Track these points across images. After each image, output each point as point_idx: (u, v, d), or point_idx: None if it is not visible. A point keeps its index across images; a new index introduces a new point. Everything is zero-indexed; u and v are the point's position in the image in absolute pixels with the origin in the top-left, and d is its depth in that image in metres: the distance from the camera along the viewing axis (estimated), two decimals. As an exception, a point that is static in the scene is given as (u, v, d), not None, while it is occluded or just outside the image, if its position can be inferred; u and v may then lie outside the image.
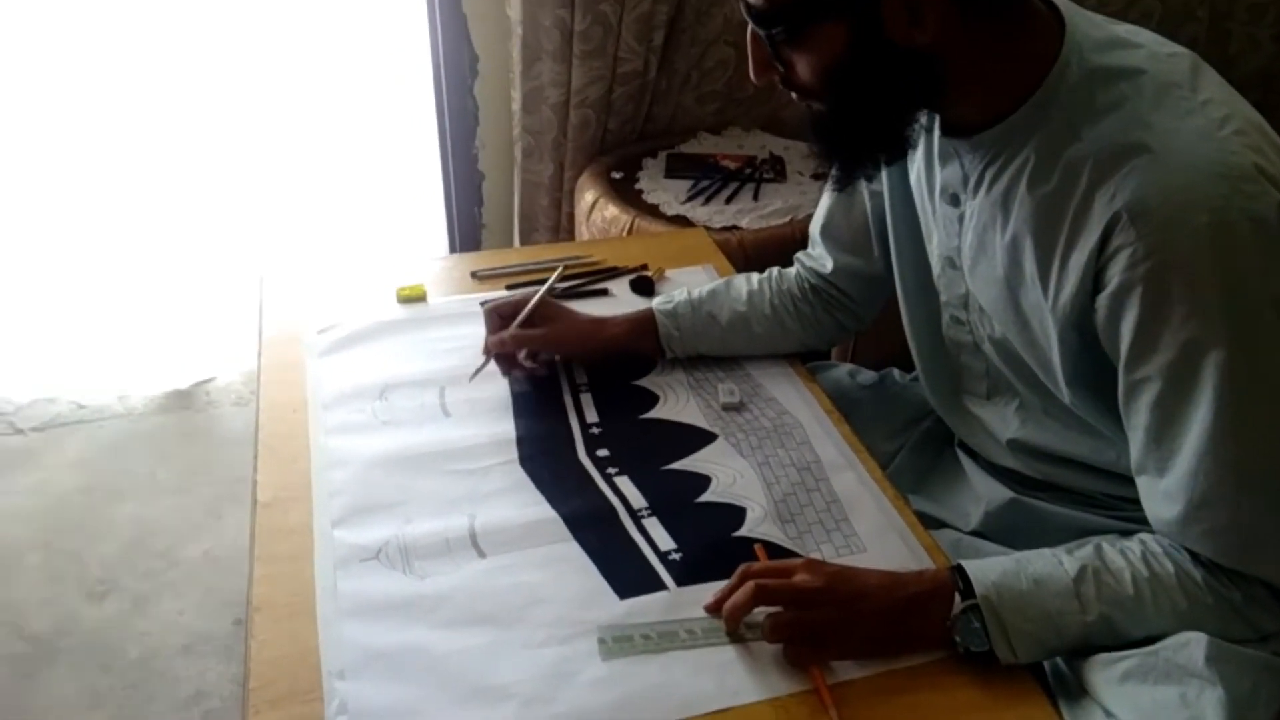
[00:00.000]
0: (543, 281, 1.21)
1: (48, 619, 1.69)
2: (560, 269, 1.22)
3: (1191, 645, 0.72)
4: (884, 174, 1.01)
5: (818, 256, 1.16)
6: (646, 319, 1.13)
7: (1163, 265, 0.72)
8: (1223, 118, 0.75)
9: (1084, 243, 0.77)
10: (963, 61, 0.78)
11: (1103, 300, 0.77)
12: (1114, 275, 0.75)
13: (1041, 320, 0.84)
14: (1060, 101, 0.79)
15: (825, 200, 1.14)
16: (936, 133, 0.90)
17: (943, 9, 0.74)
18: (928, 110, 0.87)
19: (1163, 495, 0.77)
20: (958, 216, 0.91)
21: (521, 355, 1.10)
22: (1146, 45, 0.80)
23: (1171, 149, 0.73)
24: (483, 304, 1.23)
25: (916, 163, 0.96)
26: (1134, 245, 0.73)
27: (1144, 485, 0.80)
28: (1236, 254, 0.71)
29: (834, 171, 0.90)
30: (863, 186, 1.05)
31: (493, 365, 1.10)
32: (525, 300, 1.11)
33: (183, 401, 2.23)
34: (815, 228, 1.15)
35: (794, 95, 0.84)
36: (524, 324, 1.09)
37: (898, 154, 0.88)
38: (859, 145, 0.86)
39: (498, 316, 1.10)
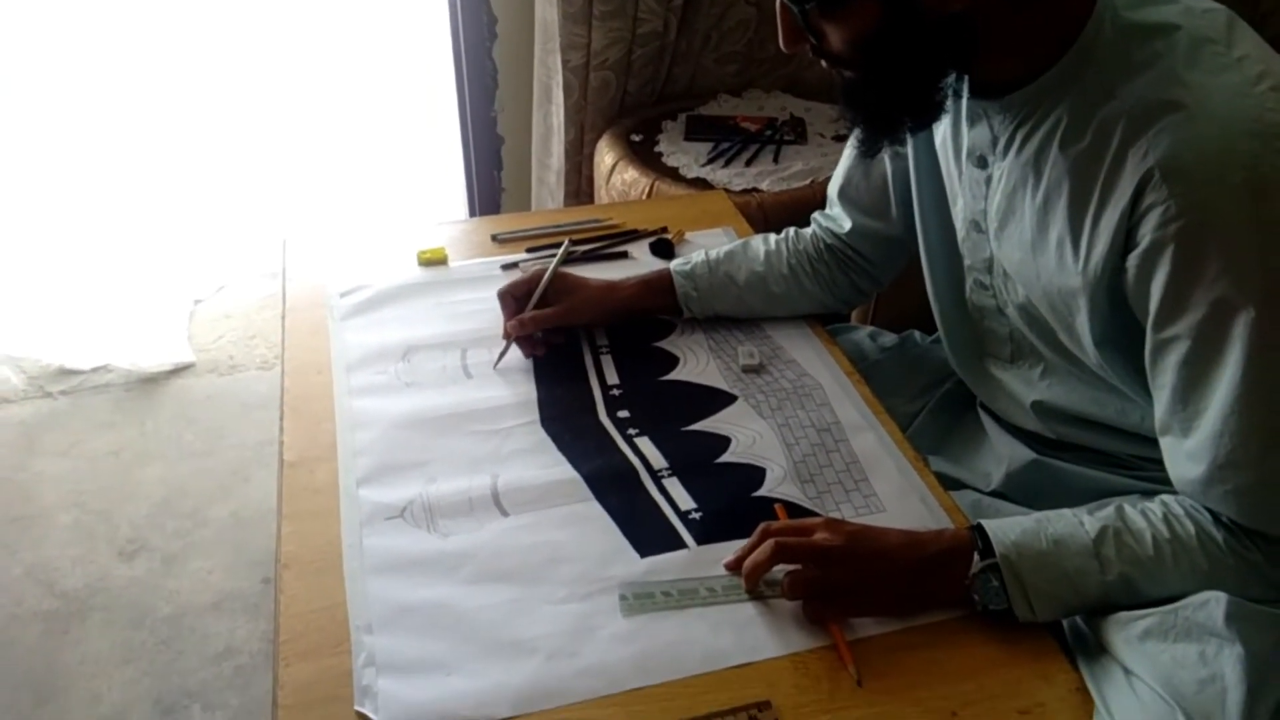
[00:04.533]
0: (557, 246, 1.21)
1: (79, 577, 1.73)
2: (566, 244, 1.21)
3: (1211, 604, 0.73)
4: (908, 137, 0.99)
5: (835, 217, 1.15)
6: (658, 279, 1.14)
7: (1195, 224, 0.72)
8: (1258, 74, 0.73)
9: (1116, 201, 0.76)
10: (996, 23, 0.77)
11: (1133, 259, 0.76)
12: (1145, 234, 0.74)
13: (1070, 282, 0.83)
14: (1094, 59, 0.78)
15: (844, 161, 1.13)
16: (964, 94, 0.89)
17: None
18: (957, 72, 0.86)
19: (1186, 455, 0.77)
20: (985, 179, 0.90)
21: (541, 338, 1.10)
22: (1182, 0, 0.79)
23: (1205, 106, 0.72)
24: (504, 267, 1.24)
25: (942, 125, 0.95)
26: (1166, 204, 0.72)
27: (1168, 446, 0.80)
28: (1270, 213, 0.70)
29: (861, 137, 0.89)
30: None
31: (515, 348, 1.10)
32: (537, 278, 1.10)
33: (207, 365, 2.26)
34: (833, 188, 1.15)
35: (824, 63, 0.84)
36: (539, 301, 1.09)
37: (929, 120, 0.86)
38: (891, 112, 0.85)
39: (512, 299, 1.10)
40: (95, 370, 2.21)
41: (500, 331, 1.10)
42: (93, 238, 2.51)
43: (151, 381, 2.20)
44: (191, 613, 1.67)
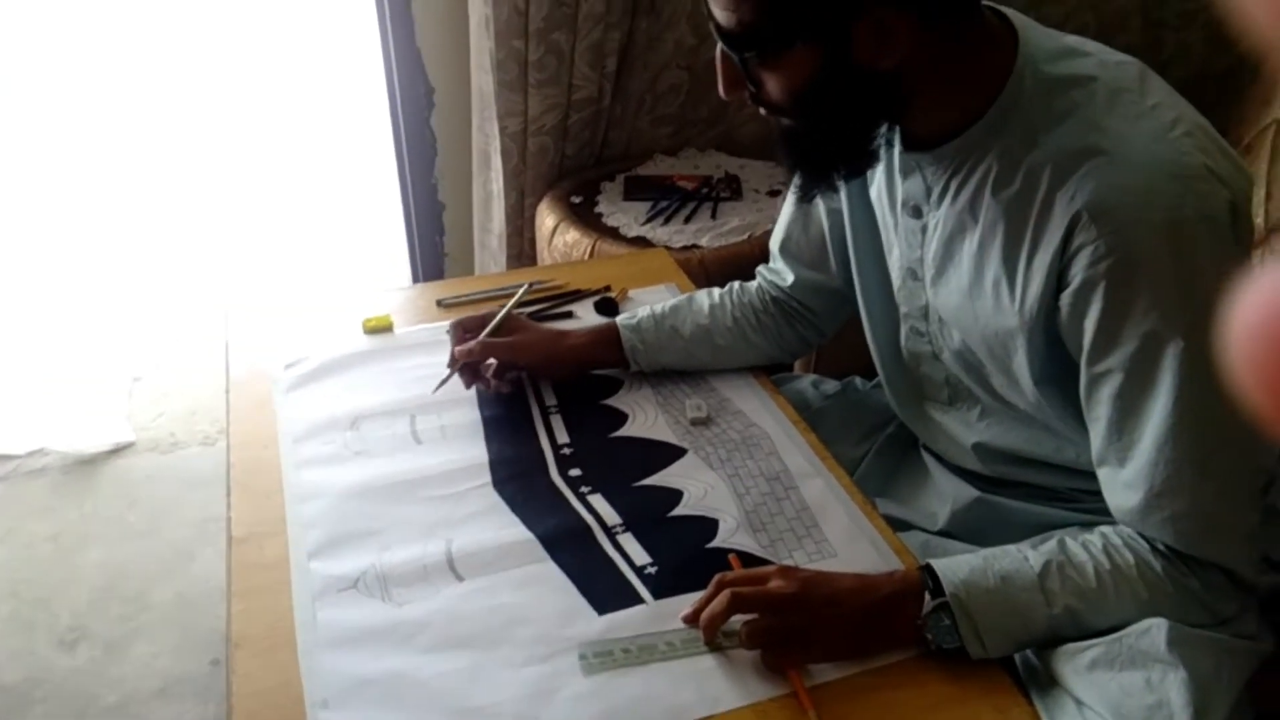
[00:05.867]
0: (509, 299, 1.23)
1: (19, 669, 1.66)
2: (526, 285, 1.23)
3: (1153, 631, 0.75)
4: (843, 190, 1.03)
5: (779, 270, 1.18)
6: (607, 330, 1.16)
7: (1123, 261, 0.75)
8: (1172, 120, 0.78)
9: (1047, 243, 0.80)
10: (925, 78, 0.81)
11: (1066, 298, 0.79)
12: (1077, 273, 0.78)
13: (1008, 323, 0.86)
14: (1018, 110, 0.82)
15: (783, 218, 1.16)
16: (897, 147, 0.92)
17: (910, 35, 0.77)
18: (889, 123, 0.90)
19: (1123, 485, 0.80)
20: (920, 228, 0.94)
21: (487, 370, 1.09)
22: (1095, 54, 0.83)
23: (1126, 151, 0.76)
24: (449, 332, 1.25)
25: (877, 177, 0.99)
26: (1095, 243, 0.76)
27: (1105, 477, 0.83)
28: (1192, 250, 0.74)
29: (797, 183, 0.92)
30: (819, 204, 1.08)
31: (456, 380, 1.10)
32: (490, 316, 1.13)
33: (148, 444, 2.21)
34: (775, 244, 1.18)
35: (762, 111, 0.87)
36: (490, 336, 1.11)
37: (862, 168, 0.90)
38: (825, 159, 0.89)
39: (462, 330, 1.12)
40: (31, 454, 2.15)
41: (449, 397, 1.10)
42: (24, 317, 2.46)
43: (90, 463, 2.14)
44: (137, 700, 1.61)
